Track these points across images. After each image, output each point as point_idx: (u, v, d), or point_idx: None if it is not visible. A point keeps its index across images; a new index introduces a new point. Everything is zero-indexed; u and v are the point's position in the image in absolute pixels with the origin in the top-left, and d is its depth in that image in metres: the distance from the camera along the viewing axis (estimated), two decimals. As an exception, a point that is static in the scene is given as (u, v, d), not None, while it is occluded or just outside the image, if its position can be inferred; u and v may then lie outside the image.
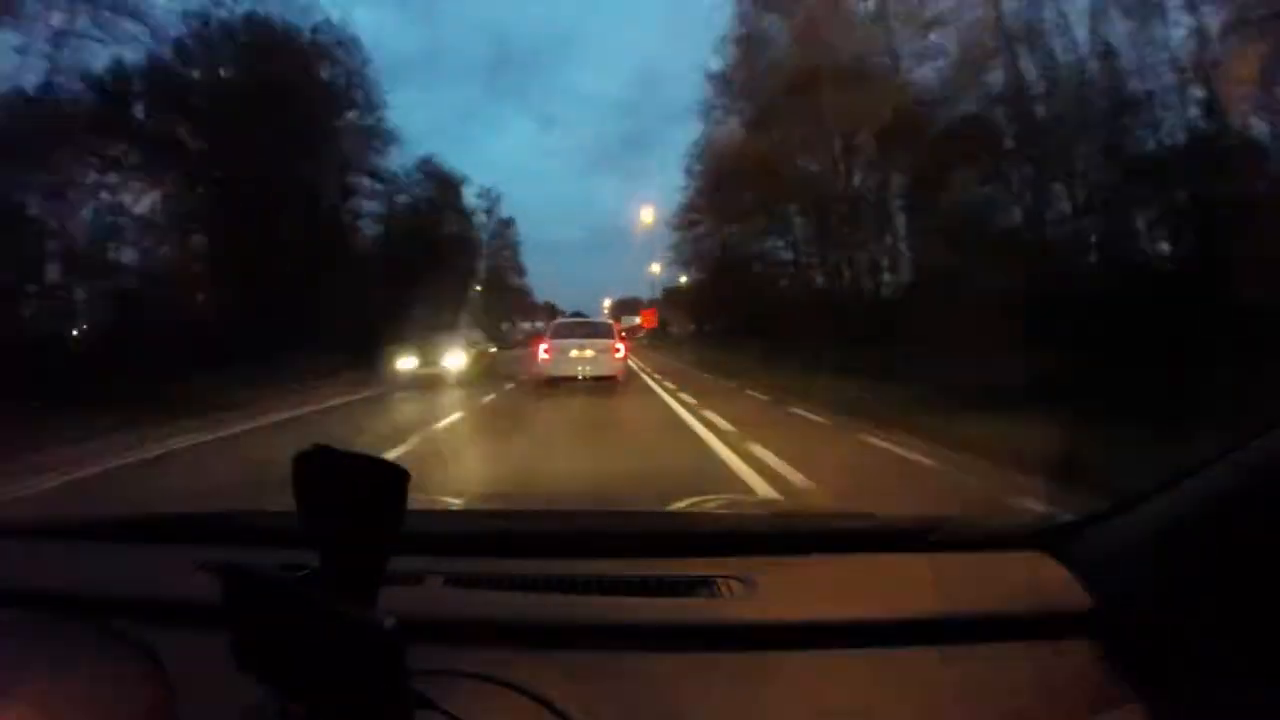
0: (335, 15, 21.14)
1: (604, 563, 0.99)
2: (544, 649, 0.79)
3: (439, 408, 8.97)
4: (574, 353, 10.51)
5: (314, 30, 20.03)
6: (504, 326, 39.35)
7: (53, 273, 14.86)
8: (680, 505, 1.51)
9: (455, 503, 1.64)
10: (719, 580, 0.91)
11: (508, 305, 43.50)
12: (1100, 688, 0.73)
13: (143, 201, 16.65)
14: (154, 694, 0.63)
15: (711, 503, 1.66)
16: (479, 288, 33.27)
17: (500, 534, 1.14)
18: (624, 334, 12.91)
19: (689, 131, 30.62)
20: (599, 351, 10.50)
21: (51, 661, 0.66)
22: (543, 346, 10.92)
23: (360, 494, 0.55)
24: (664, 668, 0.77)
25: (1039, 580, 0.90)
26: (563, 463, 5.11)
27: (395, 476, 0.54)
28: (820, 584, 0.94)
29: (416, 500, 0.57)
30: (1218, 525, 0.70)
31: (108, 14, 14.57)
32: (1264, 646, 0.64)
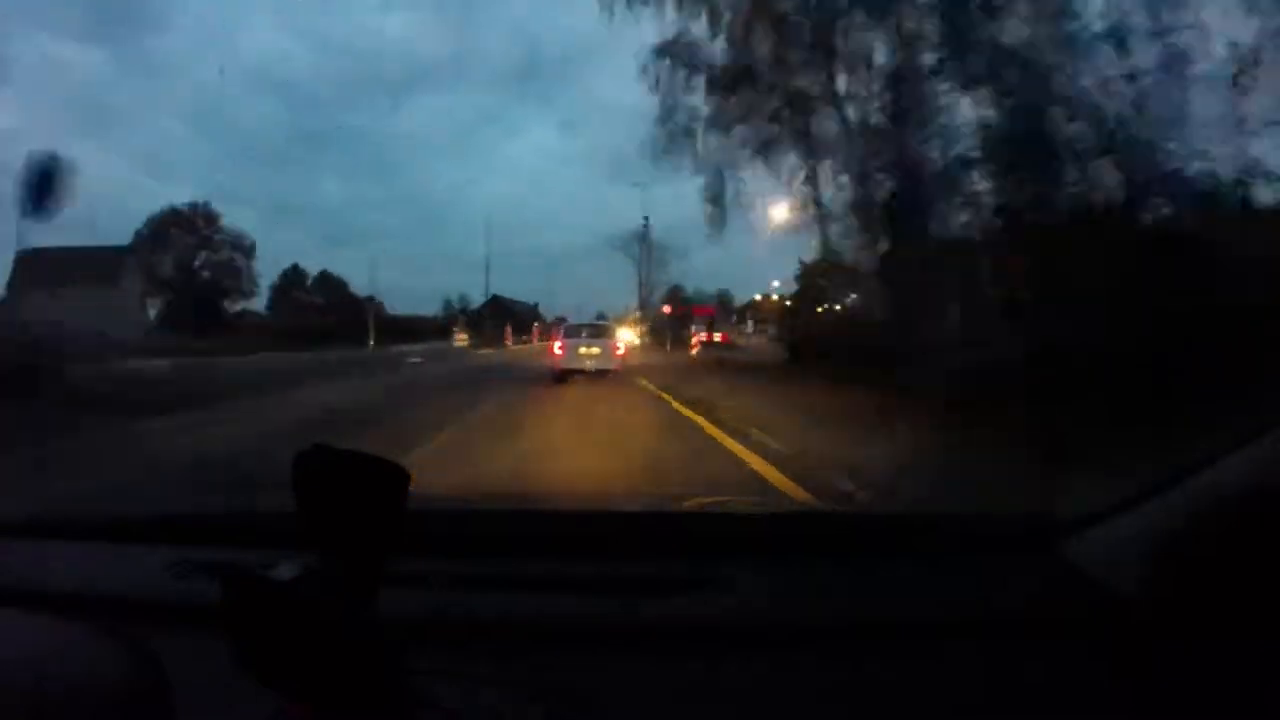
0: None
1: (604, 563, 0.99)
2: (544, 649, 0.79)
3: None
4: (581, 350, 12.79)
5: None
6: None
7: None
8: (680, 505, 1.51)
9: (455, 503, 1.64)
10: (719, 580, 0.91)
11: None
12: (1100, 687, 0.73)
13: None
14: (153, 695, 0.63)
15: (712, 502, 1.67)
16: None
17: (500, 534, 1.14)
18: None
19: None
20: (602, 349, 12.84)
21: (51, 661, 0.66)
22: (556, 344, 13.07)
23: (360, 494, 0.54)
24: (664, 668, 0.77)
25: (1039, 580, 0.90)
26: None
27: (395, 476, 0.54)
28: (820, 584, 0.94)
29: (416, 500, 0.57)
30: (1218, 524, 0.70)
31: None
32: (1264, 646, 0.64)
